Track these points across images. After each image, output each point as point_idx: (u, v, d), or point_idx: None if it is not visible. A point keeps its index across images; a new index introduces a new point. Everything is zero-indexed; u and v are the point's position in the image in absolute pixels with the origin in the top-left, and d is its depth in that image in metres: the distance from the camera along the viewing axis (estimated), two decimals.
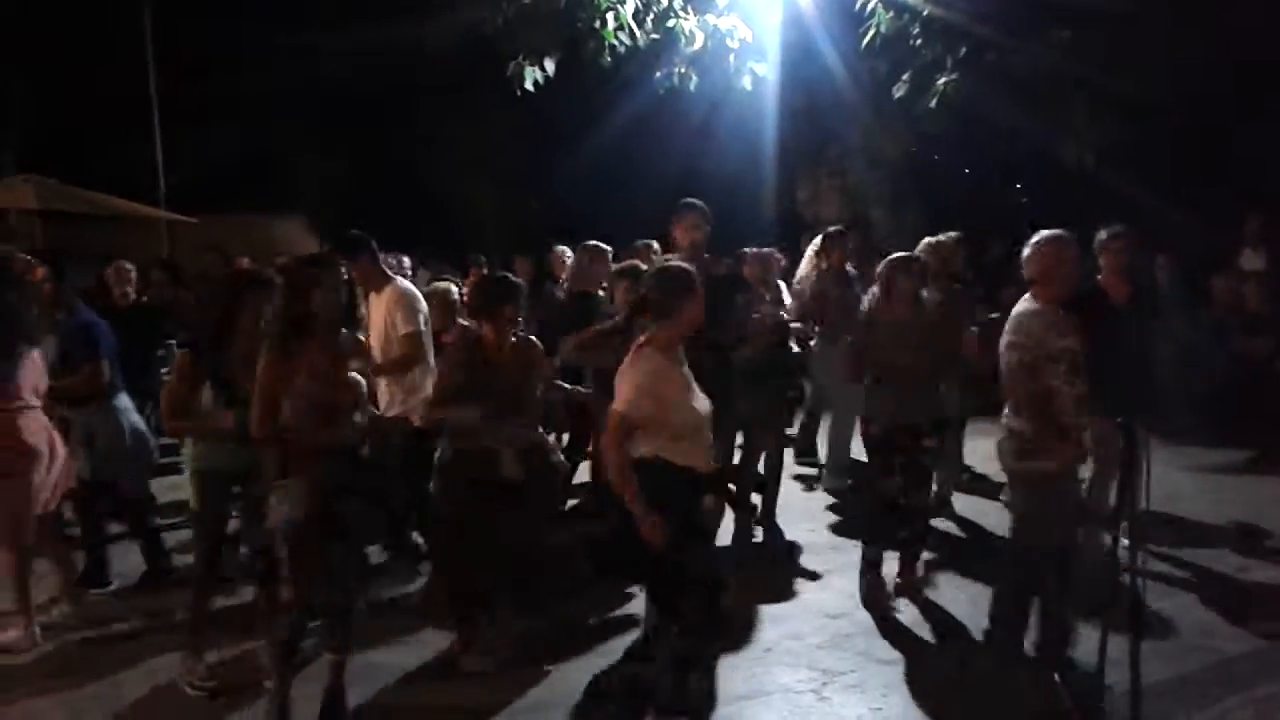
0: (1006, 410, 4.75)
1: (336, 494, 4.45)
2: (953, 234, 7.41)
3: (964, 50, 9.58)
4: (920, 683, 4.95)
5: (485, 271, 10.20)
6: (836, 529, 7.50)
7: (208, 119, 17.46)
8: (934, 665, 5.14)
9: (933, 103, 9.88)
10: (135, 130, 16.24)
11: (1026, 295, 4.71)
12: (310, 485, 4.37)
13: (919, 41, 9.71)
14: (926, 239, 7.37)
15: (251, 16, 17.42)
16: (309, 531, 4.37)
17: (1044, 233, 4.71)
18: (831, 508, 8.06)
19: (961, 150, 12.77)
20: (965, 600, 5.96)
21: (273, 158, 18.63)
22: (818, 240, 8.82)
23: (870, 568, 6.02)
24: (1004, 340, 4.75)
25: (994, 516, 7.62)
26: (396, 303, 6.33)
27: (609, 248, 7.48)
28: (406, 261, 9.90)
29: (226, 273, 6.22)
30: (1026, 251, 4.72)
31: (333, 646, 4.65)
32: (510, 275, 5.58)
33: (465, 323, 6.29)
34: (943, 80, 9.70)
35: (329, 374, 4.50)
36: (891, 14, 9.20)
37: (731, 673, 5.14)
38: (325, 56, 17.50)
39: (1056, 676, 3.37)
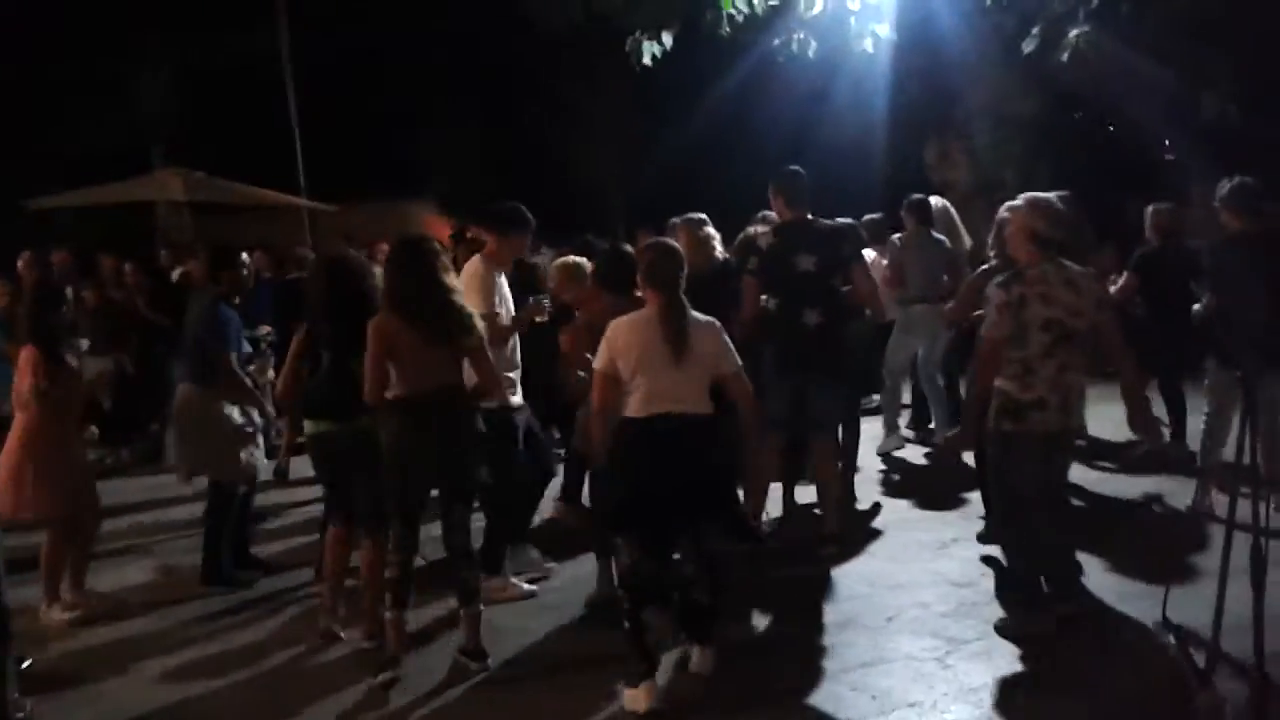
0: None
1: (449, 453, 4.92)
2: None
3: (1095, 1, 9.19)
4: (1048, 651, 4.83)
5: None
6: (961, 496, 7.33)
7: (342, 108, 17.95)
8: (1062, 634, 5.00)
9: (1064, 57, 9.52)
10: (273, 120, 16.77)
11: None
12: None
13: None
14: (1007, 204, 7.37)
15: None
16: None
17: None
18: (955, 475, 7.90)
19: (1097, 105, 12.28)
20: (1098, 568, 5.78)
21: (404, 143, 19.07)
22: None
23: None
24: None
25: (1113, 485, 7.44)
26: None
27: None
28: None
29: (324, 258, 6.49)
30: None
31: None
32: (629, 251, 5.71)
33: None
34: (1074, 33, 9.32)
35: (423, 349, 4.85)
36: None
37: (853, 640, 5.12)
38: (454, 39, 17.83)
39: (1173, 639, 3.25)
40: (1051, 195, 5.05)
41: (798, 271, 6.11)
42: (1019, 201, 5.05)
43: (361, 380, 4.93)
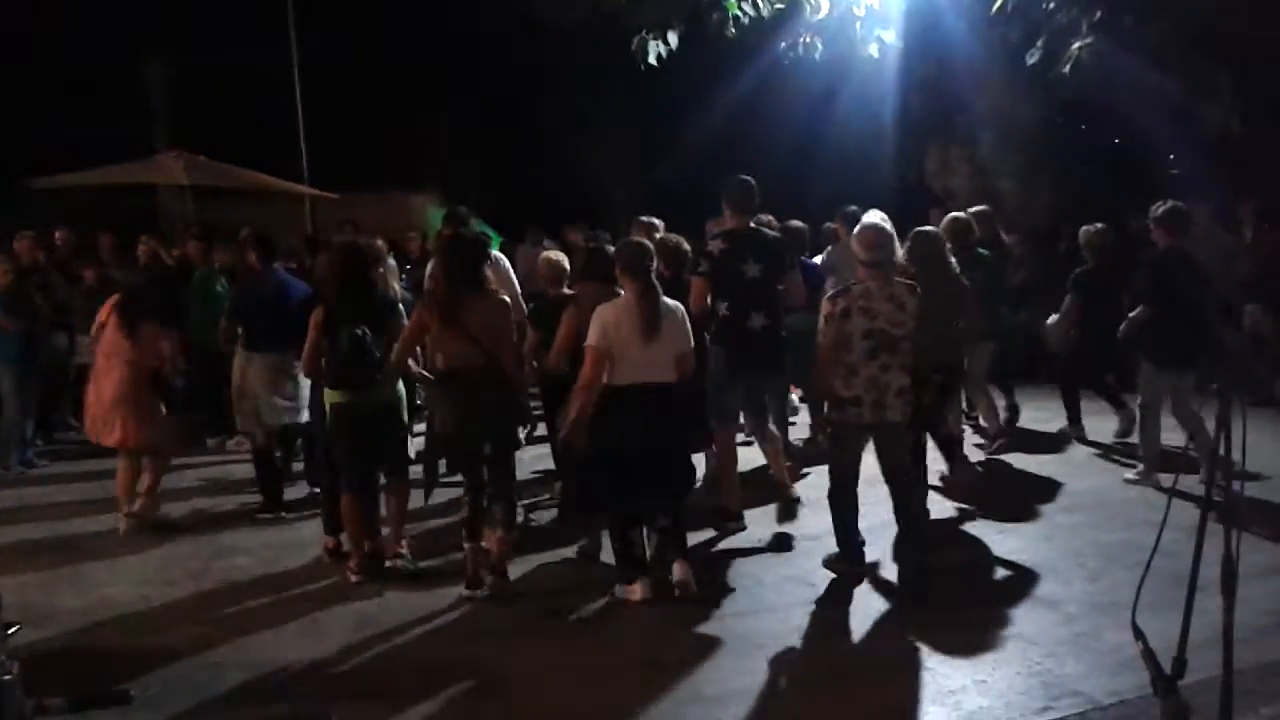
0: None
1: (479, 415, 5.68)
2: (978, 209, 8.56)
3: (1099, 14, 9.25)
4: (1024, 654, 4.87)
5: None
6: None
7: (346, 97, 17.97)
8: (1039, 638, 5.06)
9: (1066, 69, 9.58)
10: (277, 108, 16.79)
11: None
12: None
13: (1052, 5, 9.43)
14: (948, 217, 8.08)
15: None
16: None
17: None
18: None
19: (1099, 118, 12.33)
20: (1080, 577, 5.87)
21: (406, 135, 19.10)
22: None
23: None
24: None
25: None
26: None
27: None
28: None
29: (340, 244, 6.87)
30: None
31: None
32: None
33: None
34: (1077, 45, 9.38)
35: (450, 327, 5.58)
36: None
37: (824, 634, 5.15)
38: (457, 34, 17.88)
39: (1141, 645, 3.22)
40: (878, 219, 5.86)
41: (746, 279, 6.68)
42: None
43: (378, 353, 5.79)
